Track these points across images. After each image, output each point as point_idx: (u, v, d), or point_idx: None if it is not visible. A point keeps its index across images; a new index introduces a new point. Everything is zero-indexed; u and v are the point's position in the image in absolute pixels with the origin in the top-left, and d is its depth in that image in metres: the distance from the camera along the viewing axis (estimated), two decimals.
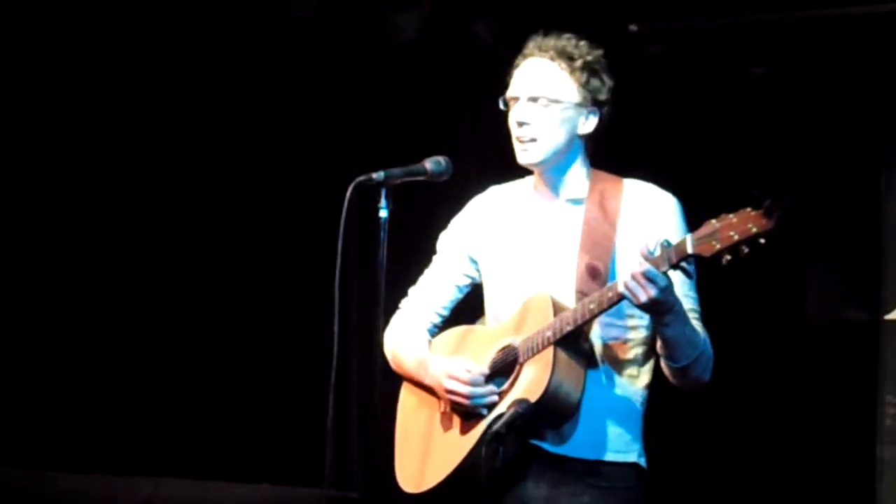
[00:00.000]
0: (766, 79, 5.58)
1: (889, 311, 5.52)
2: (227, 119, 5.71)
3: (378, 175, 3.33)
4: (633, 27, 5.56)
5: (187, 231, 5.70)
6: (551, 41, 3.48)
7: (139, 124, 5.64)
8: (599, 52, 3.50)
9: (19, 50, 5.43)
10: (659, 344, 3.36)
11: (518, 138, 3.46)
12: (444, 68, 5.65)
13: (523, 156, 3.46)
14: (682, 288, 3.34)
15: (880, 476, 5.48)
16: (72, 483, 5.10)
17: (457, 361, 3.48)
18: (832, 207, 5.52)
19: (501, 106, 3.51)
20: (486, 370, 3.44)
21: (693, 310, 3.41)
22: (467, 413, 3.47)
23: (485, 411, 3.43)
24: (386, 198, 3.32)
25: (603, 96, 3.48)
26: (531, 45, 3.51)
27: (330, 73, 5.71)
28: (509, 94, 3.49)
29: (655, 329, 3.35)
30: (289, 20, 5.58)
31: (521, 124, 3.44)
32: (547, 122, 3.43)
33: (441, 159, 3.46)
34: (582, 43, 3.49)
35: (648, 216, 3.44)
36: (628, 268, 3.25)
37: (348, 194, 3.30)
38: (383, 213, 3.31)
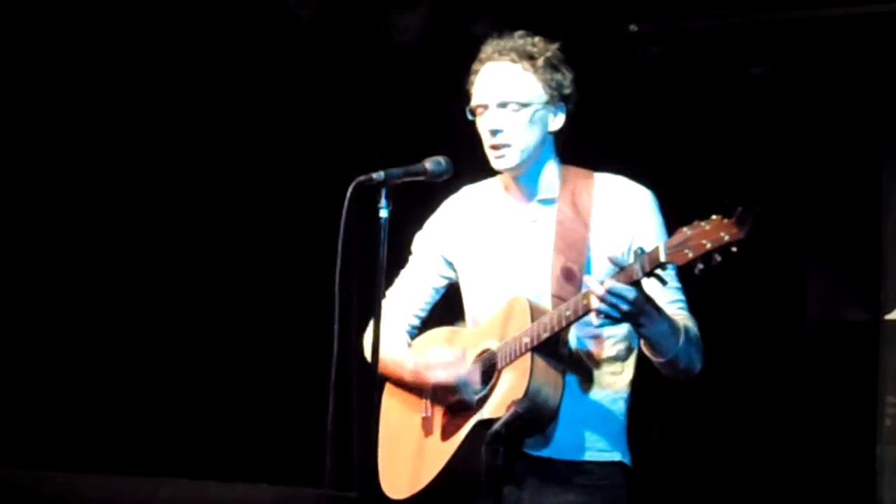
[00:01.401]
0: (766, 79, 5.58)
1: (889, 311, 5.52)
2: (229, 120, 5.72)
3: (378, 175, 3.32)
4: (633, 27, 5.56)
5: (188, 231, 5.70)
6: (508, 43, 3.46)
7: (141, 125, 5.65)
8: (556, 45, 3.49)
9: (19, 50, 5.43)
10: (641, 342, 3.36)
11: (492, 146, 3.45)
12: (444, 68, 5.65)
13: (499, 162, 3.46)
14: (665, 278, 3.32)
15: (880, 476, 5.49)
16: (72, 483, 5.10)
17: (432, 351, 3.47)
18: (832, 207, 5.52)
19: (469, 116, 3.50)
20: (469, 354, 3.43)
21: (678, 300, 3.40)
22: (450, 415, 3.47)
23: (473, 397, 3.41)
24: (386, 198, 3.31)
25: (568, 90, 3.47)
26: (488, 50, 3.49)
27: (331, 73, 5.71)
28: (476, 102, 3.47)
29: (634, 331, 3.34)
30: (290, 22, 5.58)
31: (494, 132, 3.43)
32: (519, 126, 3.42)
33: (441, 159, 3.46)
34: (537, 39, 3.48)
35: (621, 211, 3.43)
36: (603, 267, 3.24)
37: (348, 194, 3.30)
38: (383, 213, 3.31)
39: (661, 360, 3.32)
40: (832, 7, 5.33)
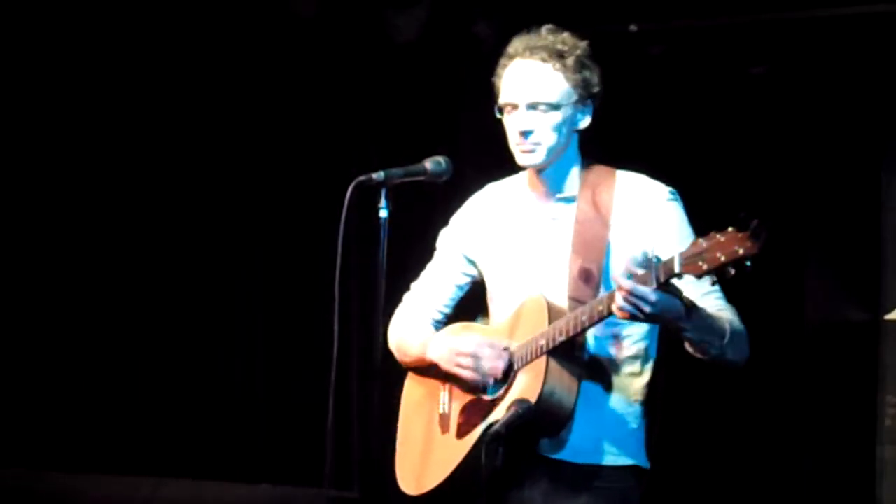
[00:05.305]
0: (766, 79, 5.57)
1: (889, 311, 5.51)
2: (229, 119, 5.72)
3: (378, 175, 3.33)
4: (633, 27, 5.56)
5: (188, 231, 5.71)
6: (539, 41, 3.42)
7: (140, 124, 5.65)
8: (584, 42, 3.46)
9: (19, 50, 5.43)
10: (685, 343, 3.32)
11: (520, 144, 3.44)
12: (444, 68, 5.65)
13: (526, 158, 3.44)
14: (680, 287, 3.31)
15: (880, 476, 5.48)
16: (72, 483, 5.10)
17: (463, 336, 3.47)
18: (832, 208, 5.51)
19: (497, 114, 3.48)
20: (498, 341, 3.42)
21: (713, 292, 3.35)
22: (466, 413, 3.47)
23: (491, 387, 3.41)
24: (386, 198, 3.32)
25: (596, 88, 3.45)
26: (518, 46, 3.45)
27: (330, 73, 5.72)
28: (505, 100, 3.44)
29: (676, 335, 3.29)
30: (290, 21, 5.58)
31: (524, 133, 3.40)
32: (549, 126, 3.40)
33: (441, 159, 3.46)
34: (566, 36, 3.44)
35: (643, 210, 3.41)
36: (622, 267, 3.22)
37: (348, 194, 3.30)
38: (383, 213, 3.31)
39: (707, 357, 3.28)
40: (832, 7, 5.33)
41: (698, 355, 3.29)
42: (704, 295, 3.31)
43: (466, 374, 3.43)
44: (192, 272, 5.73)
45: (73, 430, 5.58)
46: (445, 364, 3.48)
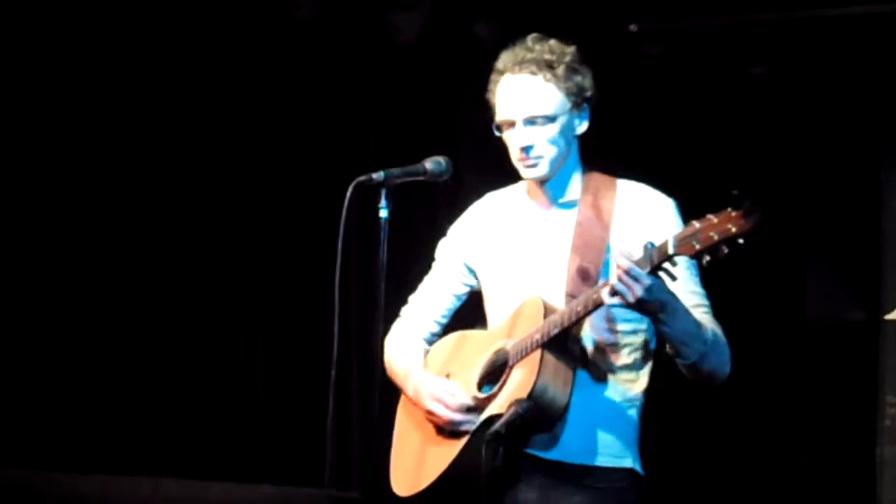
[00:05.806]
0: (766, 79, 5.58)
1: (889, 311, 5.52)
2: (228, 120, 5.72)
3: (378, 175, 3.33)
4: (633, 27, 5.56)
5: (188, 231, 5.71)
6: (527, 53, 3.42)
7: (140, 125, 5.65)
8: (572, 48, 3.46)
9: (19, 50, 5.43)
10: (666, 345, 3.33)
11: (522, 159, 3.44)
12: (444, 68, 5.65)
13: (530, 172, 3.44)
14: (688, 284, 3.32)
15: (880, 476, 5.48)
16: (72, 483, 5.10)
17: (442, 385, 3.48)
18: (832, 207, 5.52)
19: (496, 132, 3.48)
20: (470, 401, 3.43)
21: (701, 304, 3.38)
22: (461, 413, 3.48)
23: (486, 385, 3.42)
24: (386, 198, 3.32)
25: (589, 92, 3.46)
26: (507, 61, 3.45)
27: (330, 73, 5.72)
28: (502, 117, 3.44)
29: (656, 329, 3.33)
30: (289, 21, 5.58)
31: (525, 149, 3.41)
32: (549, 138, 3.41)
33: (441, 159, 3.46)
34: (553, 43, 3.44)
35: (643, 218, 3.42)
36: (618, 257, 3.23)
37: (348, 194, 3.31)
38: (383, 213, 3.31)
39: (684, 362, 3.29)
40: (832, 7, 5.33)
41: (678, 360, 3.31)
42: (693, 307, 3.32)
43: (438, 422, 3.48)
44: (192, 273, 5.73)
45: (74, 430, 5.58)
46: (421, 407, 3.53)
